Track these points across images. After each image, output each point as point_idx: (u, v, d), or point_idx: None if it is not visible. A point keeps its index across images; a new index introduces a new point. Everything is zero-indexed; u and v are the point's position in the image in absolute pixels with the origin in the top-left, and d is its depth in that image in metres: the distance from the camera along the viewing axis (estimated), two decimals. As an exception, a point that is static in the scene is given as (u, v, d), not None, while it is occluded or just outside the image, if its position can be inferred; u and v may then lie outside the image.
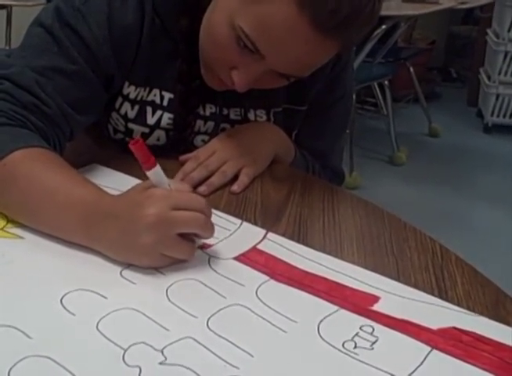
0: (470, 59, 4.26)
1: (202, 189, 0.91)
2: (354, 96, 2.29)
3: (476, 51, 4.13)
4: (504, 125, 3.74)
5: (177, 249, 0.69)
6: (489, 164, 3.31)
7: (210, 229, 0.71)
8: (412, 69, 3.60)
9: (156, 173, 0.70)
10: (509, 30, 3.54)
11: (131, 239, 0.68)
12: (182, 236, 0.69)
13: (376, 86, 3.38)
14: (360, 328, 0.63)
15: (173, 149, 1.00)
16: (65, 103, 0.86)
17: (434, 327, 0.63)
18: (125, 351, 0.57)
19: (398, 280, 0.71)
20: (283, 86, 0.91)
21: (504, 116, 3.74)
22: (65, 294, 0.64)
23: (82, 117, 0.89)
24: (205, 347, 0.58)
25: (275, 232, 0.80)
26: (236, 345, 0.59)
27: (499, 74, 3.65)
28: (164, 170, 0.94)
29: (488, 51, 3.88)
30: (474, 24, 4.38)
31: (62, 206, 0.73)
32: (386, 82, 3.30)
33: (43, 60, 0.86)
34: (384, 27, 2.85)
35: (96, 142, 1.04)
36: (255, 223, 0.83)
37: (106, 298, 0.65)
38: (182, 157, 0.97)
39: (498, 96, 3.68)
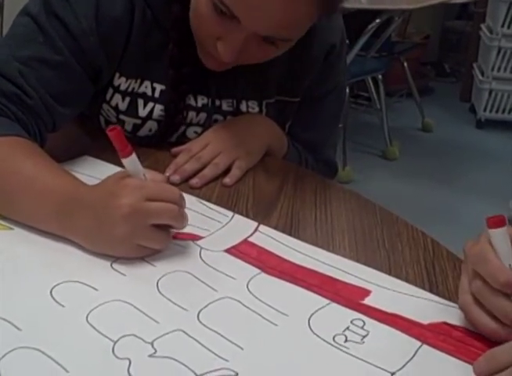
0: (464, 54, 4.26)
1: (194, 181, 0.90)
2: (347, 90, 2.29)
3: (470, 46, 4.12)
4: (497, 121, 3.74)
5: (151, 239, 0.69)
6: (481, 159, 3.31)
7: (182, 220, 0.71)
8: (405, 63, 3.60)
9: (132, 161, 0.69)
10: (502, 26, 3.54)
11: (105, 229, 0.68)
12: (157, 225, 0.69)
13: (370, 80, 3.37)
14: (351, 322, 0.62)
15: (165, 139, 1.00)
16: (48, 94, 0.85)
17: (425, 321, 0.63)
18: (115, 343, 0.57)
19: (389, 274, 0.71)
20: (274, 77, 0.90)
21: (497, 111, 3.74)
22: (55, 286, 0.64)
23: (66, 109, 0.88)
24: (195, 340, 0.58)
25: (267, 225, 0.80)
26: (226, 338, 0.59)
27: (493, 69, 3.64)
28: (156, 161, 0.95)
29: (481, 46, 3.88)
30: (468, 19, 4.37)
31: (37, 195, 0.72)
32: (379, 76, 3.29)
33: (28, 50, 0.85)
34: (378, 20, 2.84)
35: (87, 133, 1.03)
36: (247, 216, 0.83)
37: (96, 289, 0.64)
38: (175, 150, 0.97)
39: (491, 92, 3.68)
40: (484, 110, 3.74)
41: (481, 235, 0.62)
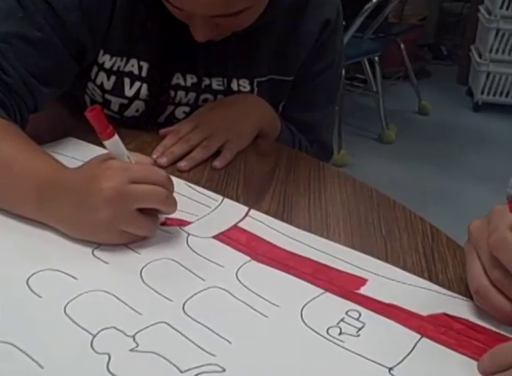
0: (462, 36, 4.23)
1: (182, 164, 0.87)
2: (343, 71, 2.25)
3: (467, 28, 4.08)
4: (494, 104, 3.71)
5: (136, 225, 0.66)
6: (478, 143, 3.29)
7: (171, 203, 0.68)
8: (402, 45, 3.56)
9: (114, 143, 0.65)
10: (501, 7, 3.49)
11: (87, 214, 0.64)
12: (144, 211, 0.66)
13: (366, 62, 3.34)
14: (346, 313, 0.59)
15: (152, 119, 0.97)
16: (28, 72, 0.82)
17: (424, 312, 0.60)
18: (94, 337, 0.54)
19: (386, 261, 0.68)
20: (266, 54, 0.89)
21: (494, 94, 3.71)
22: (32, 275, 0.61)
23: (47, 88, 0.85)
24: (180, 333, 0.55)
25: (259, 209, 0.77)
26: (213, 331, 0.56)
27: (490, 51, 3.61)
28: (143, 143, 0.91)
29: (479, 28, 3.83)
30: (465, 1, 4.33)
31: (16, 178, 0.69)
32: (376, 58, 3.25)
33: (6, 26, 0.82)
34: (374, 1, 2.80)
35: (72, 114, 1.00)
36: (237, 200, 0.80)
37: (75, 278, 0.61)
38: (163, 131, 0.94)
39: (488, 74, 3.65)
40: (482, 92, 3.70)
41: (492, 216, 0.59)
